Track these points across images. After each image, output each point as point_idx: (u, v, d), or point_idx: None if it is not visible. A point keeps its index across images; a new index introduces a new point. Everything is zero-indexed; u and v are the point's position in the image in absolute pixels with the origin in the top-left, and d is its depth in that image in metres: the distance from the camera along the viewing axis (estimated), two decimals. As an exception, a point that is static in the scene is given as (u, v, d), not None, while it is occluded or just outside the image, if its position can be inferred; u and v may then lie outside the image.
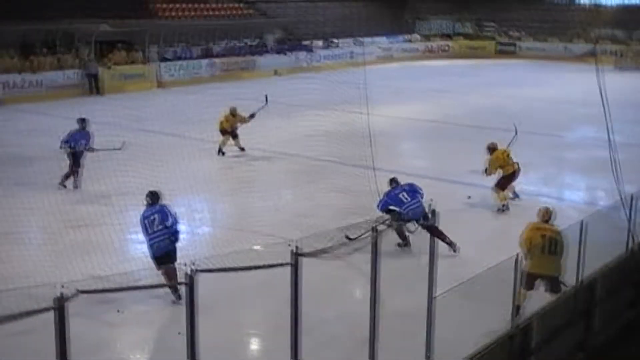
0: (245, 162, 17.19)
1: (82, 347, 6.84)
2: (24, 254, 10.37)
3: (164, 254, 9.20)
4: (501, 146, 13.54)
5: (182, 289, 7.12)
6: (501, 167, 13.32)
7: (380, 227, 8.42)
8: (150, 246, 9.28)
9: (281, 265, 6.92)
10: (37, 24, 27.04)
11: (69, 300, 5.26)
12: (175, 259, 9.18)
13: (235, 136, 17.88)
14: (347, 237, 9.01)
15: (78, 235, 11.32)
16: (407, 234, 11.03)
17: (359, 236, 8.64)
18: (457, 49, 45.08)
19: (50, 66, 27.45)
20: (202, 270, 6.33)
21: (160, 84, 30.23)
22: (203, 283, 6.18)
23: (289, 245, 6.76)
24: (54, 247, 10.98)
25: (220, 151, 17.71)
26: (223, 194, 14.58)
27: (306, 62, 36.39)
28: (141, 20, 31.40)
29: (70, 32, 28.62)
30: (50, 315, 5.23)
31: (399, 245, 11.05)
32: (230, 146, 17.74)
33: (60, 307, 5.18)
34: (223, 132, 17.81)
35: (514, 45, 44.64)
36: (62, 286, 5.25)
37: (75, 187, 14.39)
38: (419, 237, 10.30)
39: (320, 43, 39.04)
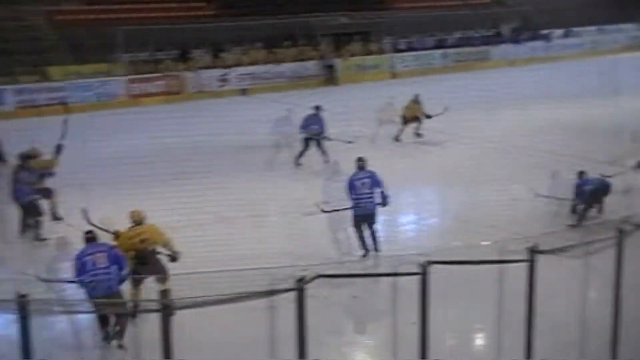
0: (474, 152, 16.90)
1: (319, 329, 7.10)
2: (264, 236, 11.01)
3: (367, 214, 10.42)
4: None
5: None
6: None
7: (627, 227, 7.86)
8: (356, 205, 10.39)
9: (514, 261, 6.72)
10: (281, 18, 28.59)
11: (308, 282, 5.49)
12: (375, 222, 10.44)
13: (418, 122, 17.99)
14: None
15: (313, 221, 11.77)
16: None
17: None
18: None
19: (292, 58, 28.93)
20: (435, 262, 6.31)
21: (394, 75, 30.62)
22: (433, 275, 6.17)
23: (527, 241, 6.54)
24: (292, 231, 11.51)
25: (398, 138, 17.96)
26: (453, 185, 14.42)
27: (543, 52, 34.95)
28: (378, 12, 32.02)
29: (311, 25, 29.91)
30: (290, 295, 5.49)
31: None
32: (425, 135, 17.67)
33: (300, 288, 5.42)
34: (406, 119, 17.85)
35: None
36: (303, 269, 5.49)
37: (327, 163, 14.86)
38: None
39: (558, 32, 37.28)
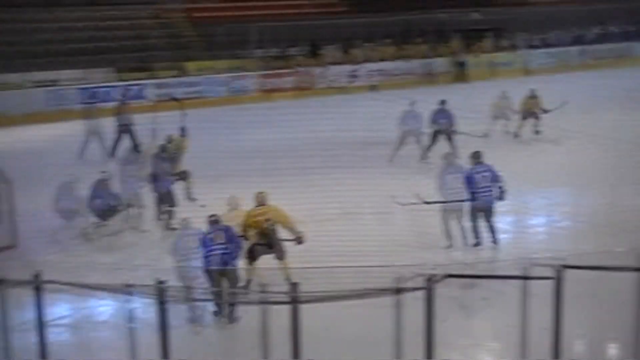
0: (609, 153, 16.18)
1: (446, 329, 7.00)
2: (389, 232, 10.96)
3: (485, 208, 10.54)
4: None
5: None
6: None
7: None
8: (476, 198, 10.42)
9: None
10: (412, 14, 28.42)
11: (438, 282, 5.42)
12: (492, 215, 10.56)
13: (535, 117, 17.42)
14: None
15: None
16: None
17: None
18: None
19: (422, 54, 28.68)
20: (569, 267, 6.09)
21: (527, 72, 29.74)
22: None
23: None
24: (416, 228, 11.39)
25: (517, 134, 17.48)
26: (585, 186, 13.85)
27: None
28: (512, 7, 31.22)
29: (442, 21, 29.55)
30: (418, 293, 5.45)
31: None
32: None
33: (429, 287, 5.36)
34: (524, 115, 17.44)
35: None
36: (433, 268, 5.43)
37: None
38: None
39: None
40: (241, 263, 9.06)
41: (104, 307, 9.04)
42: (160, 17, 27.66)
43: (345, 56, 27.97)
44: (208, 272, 8.57)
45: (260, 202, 9.68)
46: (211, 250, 8.66)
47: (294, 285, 5.17)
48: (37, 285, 5.50)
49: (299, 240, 9.51)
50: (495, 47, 30.31)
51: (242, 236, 9.29)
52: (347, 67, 27.24)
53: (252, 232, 9.41)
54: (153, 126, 13.15)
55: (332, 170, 13.75)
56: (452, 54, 28.82)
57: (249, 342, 8.00)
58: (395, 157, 15.68)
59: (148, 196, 12.12)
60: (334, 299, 5.24)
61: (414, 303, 5.68)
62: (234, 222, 9.35)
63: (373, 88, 26.83)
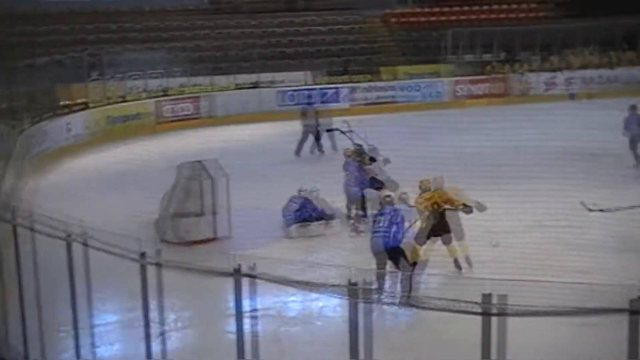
0: None
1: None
2: (589, 249, 10.42)
3: None
4: None
5: None
6: None
7: None
8: None
9: None
10: (618, 19, 26.85)
11: (644, 305, 5.06)
12: None
13: None
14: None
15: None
16: None
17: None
18: None
19: (629, 62, 27.07)
20: None
21: None
22: None
23: None
24: (619, 246, 10.76)
25: None
26: None
27: None
28: None
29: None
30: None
31: None
32: None
33: (635, 310, 5.01)
34: None
35: None
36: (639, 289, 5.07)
37: None
38: None
39: None
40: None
41: (294, 303, 9.39)
42: (359, 23, 28.21)
43: (542, 63, 26.99)
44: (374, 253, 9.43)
45: (424, 189, 10.49)
46: (376, 232, 9.52)
47: (487, 297, 5.07)
48: (237, 278, 5.78)
49: (468, 210, 10.22)
50: None
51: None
52: (545, 75, 26.28)
53: (425, 215, 10.18)
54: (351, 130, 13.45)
55: (524, 180, 13.34)
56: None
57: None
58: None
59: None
60: (534, 315, 5.03)
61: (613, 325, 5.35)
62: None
63: (572, 97, 25.68)
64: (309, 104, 19.47)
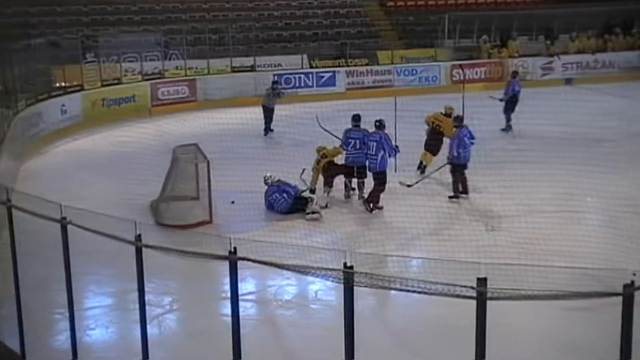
0: None
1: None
2: (584, 234, 10.43)
3: None
4: None
5: None
6: None
7: None
8: None
9: None
10: (616, 4, 26.76)
11: (637, 289, 5.07)
12: None
13: None
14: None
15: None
16: None
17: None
18: None
19: (625, 47, 27.03)
20: None
21: None
22: None
23: None
24: (615, 231, 10.77)
25: None
26: None
27: None
28: None
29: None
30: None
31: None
32: None
33: (628, 294, 5.02)
34: None
35: None
36: (634, 274, 5.07)
37: None
38: None
39: None
40: None
41: (290, 287, 9.40)
42: (356, 6, 28.06)
43: (539, 48, 26.89)
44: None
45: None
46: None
47: (481, 281, 5.06)
48: (232, 261, 5.78)
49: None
50: None
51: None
52: (541, 59, 26.21)
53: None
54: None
55: (521, 165, 13.34)
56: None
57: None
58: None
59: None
60: (524, 299, 5.03)
61: (605, 308, 5.35)
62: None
63: (569, 82, 25.64)
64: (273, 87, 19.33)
